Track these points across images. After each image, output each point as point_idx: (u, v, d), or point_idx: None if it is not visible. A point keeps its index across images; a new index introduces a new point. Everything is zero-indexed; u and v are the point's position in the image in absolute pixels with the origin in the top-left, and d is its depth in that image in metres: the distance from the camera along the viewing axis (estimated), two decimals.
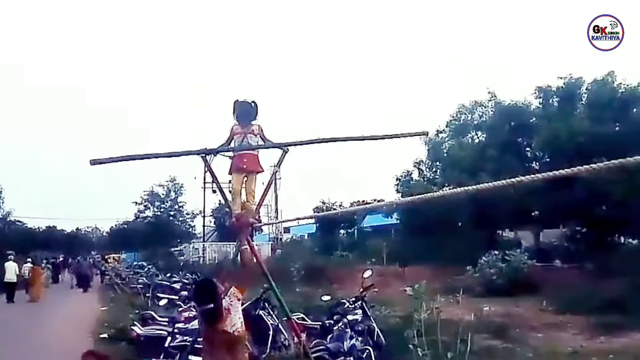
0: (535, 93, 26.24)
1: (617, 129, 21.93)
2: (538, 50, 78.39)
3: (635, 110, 23.02)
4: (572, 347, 10.22)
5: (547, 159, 24.73)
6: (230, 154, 6.94)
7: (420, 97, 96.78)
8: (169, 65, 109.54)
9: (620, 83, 23.26)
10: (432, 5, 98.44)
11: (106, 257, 46.83)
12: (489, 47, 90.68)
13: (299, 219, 15.95)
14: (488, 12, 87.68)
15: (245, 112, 6.62)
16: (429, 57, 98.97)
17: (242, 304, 4.67)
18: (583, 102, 24.72)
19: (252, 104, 6.67)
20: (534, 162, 26.68)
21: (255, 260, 6.39)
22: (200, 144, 6.69)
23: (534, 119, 25.95)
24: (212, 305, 4.21)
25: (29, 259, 27.82)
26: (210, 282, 4.62)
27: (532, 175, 3.16)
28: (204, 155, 6.87)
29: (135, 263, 38.82)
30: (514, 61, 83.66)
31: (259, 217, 7.70)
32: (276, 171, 7.35)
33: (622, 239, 22.16)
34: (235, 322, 4.27)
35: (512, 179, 3.26)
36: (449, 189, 22.01)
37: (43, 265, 31.88)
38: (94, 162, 5.85)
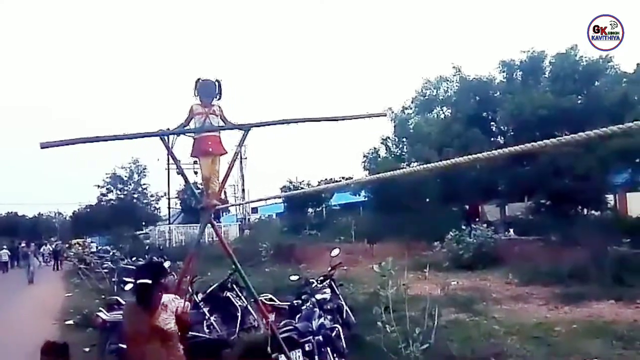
0: (499, 67, 26.41)
1: (579, 102, 22.24)
2: (503, 24, 79.08)
3: (597, 83, 23.36)
4: (537, 318, 10.39)
5: (512, 133, 24.99)
6: (192, 134, 6.66)
7: (385, 73, 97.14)
8: (130, 44, 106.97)
9: (582, 56, 23.53)
10: None
11: (70, 242, 45.81)
12: (454, 21, 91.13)
13: (265, 198, 15.76)
14: None
15: (209, 91, 6.33)
16: (394, 32, 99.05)
17: (186, 311, 4.41)
18: (546, 76, 24.97)
19: (216, 83, 6.38)
20: (499, 137, 26.96)
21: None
22: (161, 125, 6.37)
23: (498, 93, 26.14)
24: (149, 281, 4.00)
25: None
26: (159, 265, 4.59)
27: (499, 150, 3.04)
28: (162, 136, 6.55)
29: (99, 247, 37.98)
30: (478, 36, 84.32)
31: (226, 197, 7.47)
32: (238, 151, 7.05)
33: (584, 211, 22.61)
34: (169, 321, 4.14)
35: (479, 154, 3.12)
36: (417, 164, 22.10)
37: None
38: (44, 146, 5.48)
